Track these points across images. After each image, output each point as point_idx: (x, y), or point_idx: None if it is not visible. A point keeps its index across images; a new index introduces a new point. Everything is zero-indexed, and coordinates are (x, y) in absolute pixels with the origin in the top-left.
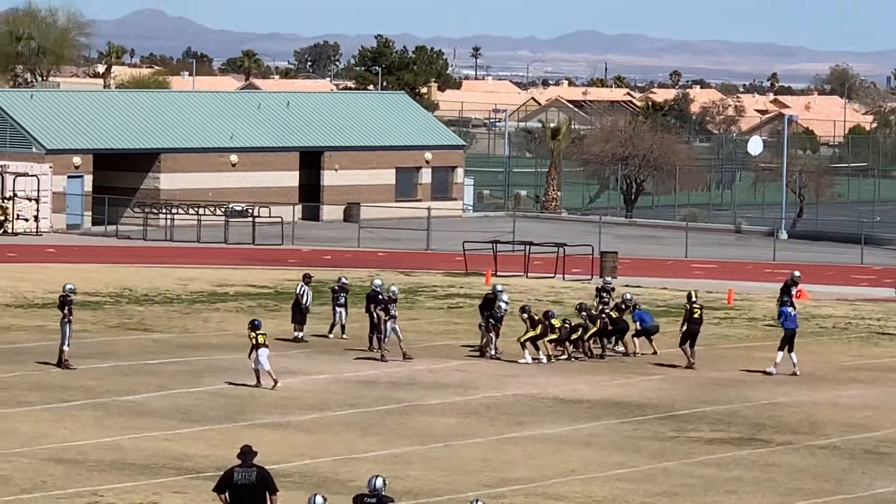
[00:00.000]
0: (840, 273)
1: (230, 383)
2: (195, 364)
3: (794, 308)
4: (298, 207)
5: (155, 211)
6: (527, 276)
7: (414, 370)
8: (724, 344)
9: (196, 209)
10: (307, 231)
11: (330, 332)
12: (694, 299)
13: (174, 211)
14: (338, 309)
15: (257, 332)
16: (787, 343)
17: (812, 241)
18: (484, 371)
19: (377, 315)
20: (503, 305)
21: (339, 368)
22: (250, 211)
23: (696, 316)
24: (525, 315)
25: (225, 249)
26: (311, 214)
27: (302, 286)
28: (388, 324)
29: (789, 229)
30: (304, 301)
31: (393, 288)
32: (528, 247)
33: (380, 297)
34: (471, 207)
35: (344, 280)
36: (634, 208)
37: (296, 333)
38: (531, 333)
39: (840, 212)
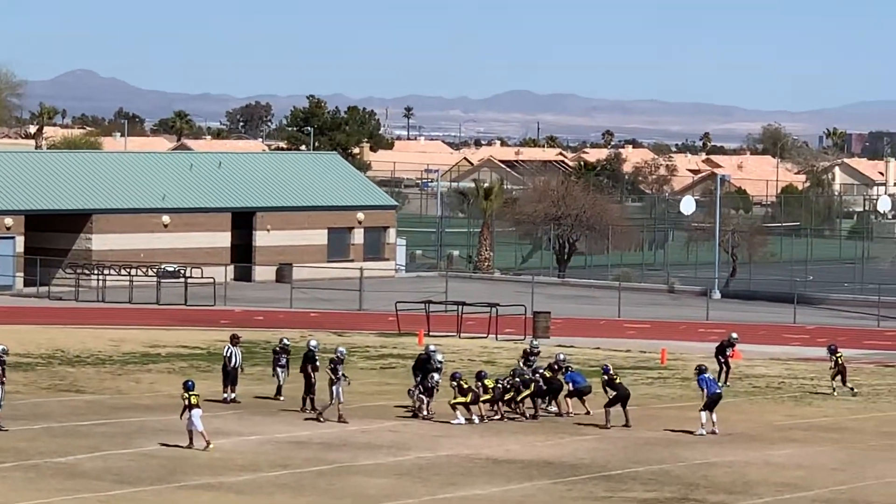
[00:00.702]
0: (773, 332)
1: (163, 444)
2: (127, 425)
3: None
4: (230, 268)
5: (87, 272)
6: (459, 336)
7: (346, 431)
8: (657, 404)
9: (128, 270)
10: (239, 292)
11: (278, 394)
12: (611, 372)
13: (106, 272)
14: (278, 370)
15: (190, 392)
16: (712, 405)
17: (745, 300)
18: (416, 431)
19: (312, 375)
20: (437, 364)
21: (271, 429)
22: (182, 272)
23: (618, 381)
24: (454, 383)
25: (157, 310)
26: (244, 275)
27: (229, 347)
28: (335, 386)
29: (722, 289)
30: (232, 362)
31: (341, 349)
32: (460, 307)
33: (315, 357)
34: (403, 268)
35: (286, 341)
36: (567, 268)
37: (225, 395)
38: (461, 399)
39: (773, 271)
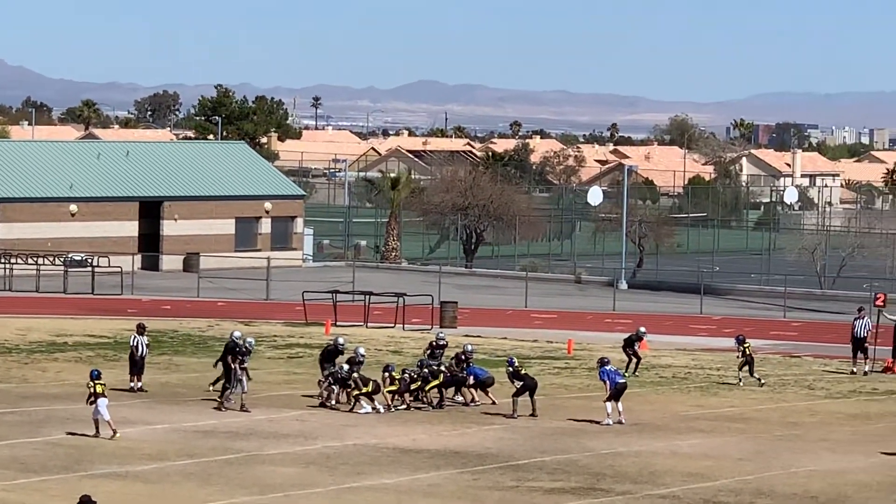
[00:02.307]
0: (679, 323)
1: (70, 433)
2: (34, 414)
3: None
4: (138, 257)
5: None
6: (366, 326)
7: (253, 420)
8: (564, 394)
9: (35, 259)
10: (147, 281)
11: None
12: (516, 363)
13: (12, 261)
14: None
15: (96, 381)
16: (618, 395)
17: (652, 290)
18: (323, 421)
19: (234, 367)
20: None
21: (178, 418)
22: (89, 261)
23: (523, 372)
24: (386, 374)
25: (64, 299)
26: (151, 264)
27: (135, 337)
28: (241, 376)
29: (629, 279)
30: (138, 352)
31: (250, 340)
32: (367, 297)
33: (237, 349)
34: (310, 257)
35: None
36: (474, 258)
37: (132, 384)
38: (365, 390)
39: (680, 262)
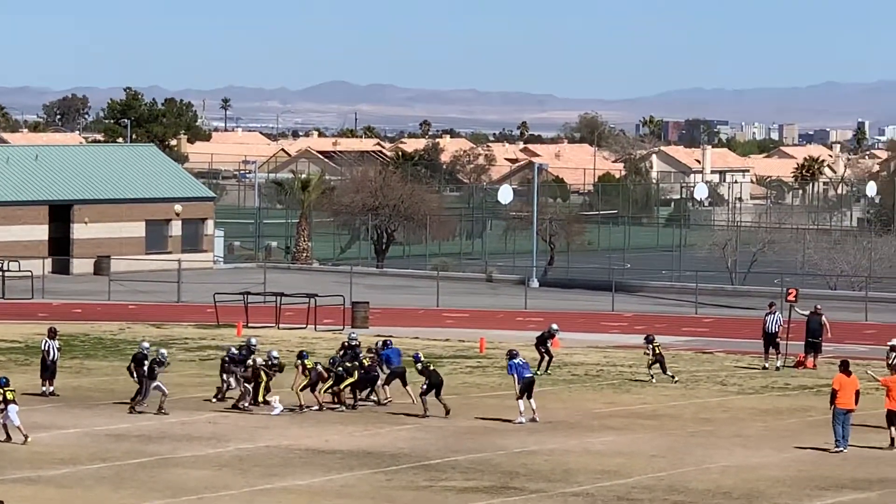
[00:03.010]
0: (591, 320)
1: None
2: None
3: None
4: (48, 261)
5: None
6: (278, 328)
7: (165, 423)
8: (477, 393)
9: None
10: (57, 285)
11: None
12: (422, 359)
13: None
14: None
15: (5, 388)
16: (527, 390)
17: (563, 288)
18: (236, 423)
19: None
20: (273, 361)
21: (90, 422)
22: (0, 265)
23: (432, 368)
24: (299, 362)
25: None
26: (62, 268)
27: (46, 341)
28: (152, 384)
29: (540, 277)
30: (49, 356)
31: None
32: (279, 298)
33: (145, 360)
34: (221, 259)
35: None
36: (385, 258)
37: (44, 388)
38: (303, 382)
39: (591, 259)
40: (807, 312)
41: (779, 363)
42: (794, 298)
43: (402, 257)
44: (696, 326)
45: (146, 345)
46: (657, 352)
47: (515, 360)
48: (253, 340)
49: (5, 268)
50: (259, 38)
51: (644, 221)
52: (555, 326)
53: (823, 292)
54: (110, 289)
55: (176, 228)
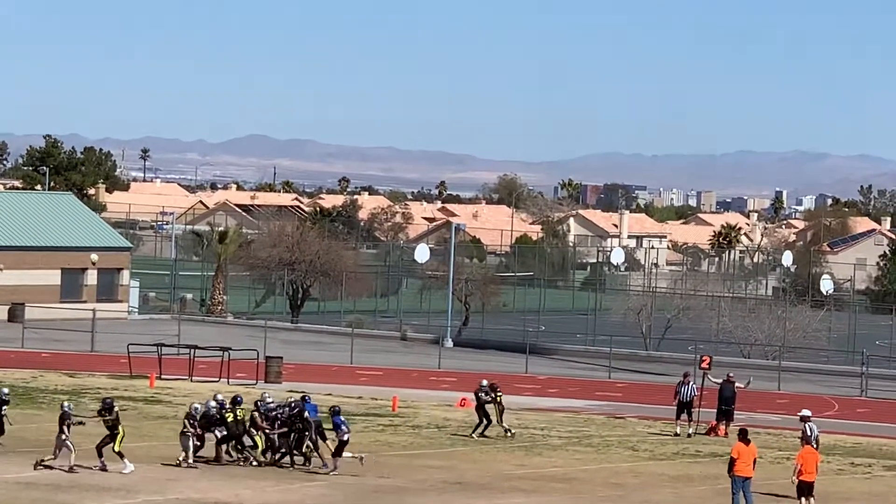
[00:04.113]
0: (505, 382)
1: None
2: None
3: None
4: None
5: None
6: (191, 380)
7: (76, 473)
8: (388, 451)
9: None
10: None
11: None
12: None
13: None
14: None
15: None
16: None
17: (477, 349)
18: (146, 475)
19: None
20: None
21: (1, 469)
22: None
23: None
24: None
25: None
26: None
27: None
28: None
29: (455, 337)
30: None
31: (4, 389)
32: (192, 350)
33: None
34: (136, 310)
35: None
36: (300, 313)
37: None
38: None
39: (506, 321)
40: (719, 380)
41: (690, 430)
42: (707, 366)
43: (317, 313)
44: (609, 391)
45: (68, 405)
46: (499, 401)
47: (339, 417)
48: (220, 396)
49: None
50: (179, 89)
51: (560, 284)
52: (485, 382)
53: (737, 360)
54: (24, 336)
55: (91, 277)
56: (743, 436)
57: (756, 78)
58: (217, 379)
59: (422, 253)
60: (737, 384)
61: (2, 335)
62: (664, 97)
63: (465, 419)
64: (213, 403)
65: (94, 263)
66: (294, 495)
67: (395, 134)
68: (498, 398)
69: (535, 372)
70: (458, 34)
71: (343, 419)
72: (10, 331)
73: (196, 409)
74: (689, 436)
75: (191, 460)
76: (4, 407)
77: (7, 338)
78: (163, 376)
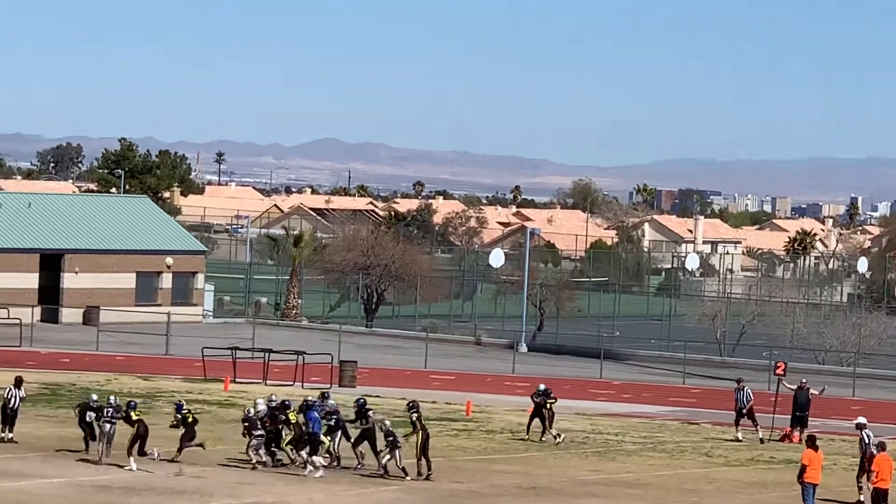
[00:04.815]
0: (579, 387)
1: None
2: None
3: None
4: (37, 309)
5: None
6: (265, 384)
7: (151, 476)
8: (462, 456)
9: None
10: (46, 333)
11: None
12: (413, 408)
13: None
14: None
15: None
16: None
17: (552, 354)
18: (220, 478)
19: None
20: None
21: (75, 472)
22: None
23: (421, 426)
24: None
25: None
26: (51, 317)
27: (10, 389)
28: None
29: (529, 342)
30: (10, 404)
31: (93, 396)
32: (267, 354)
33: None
34: (211, 313)
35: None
36: (375, 318)
37: (2, 435)
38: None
39: (580, 326)
40: (794, 386)
41: (761, 435)
42: (782, 372)
43: (391, 317)
44: (683, 396)
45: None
46: (549, 406)
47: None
48: (273, 397)
49: None
50: (254, 93)
51: (634, 290)
52: (542, 387)
53: (811, 367)
54: (99, 339)
55: (166, 281)
56: (811, 442)
57: (832, 83)
58: (291, 383)
59: (497, 258)
60: (811, 391)
61: (77, 338)
62: (739, 102)
63: (539, 424)
64: (262, 406)
65: (168, 267)
66: (367, 499)
67: (467, 138)
68: (549, 404)
69: (610, 377)
70: (533, 38)
71: (316, 416)
72: (85, 334)
73: (250, 412)
74: (761, 441)
75: (264, 458)
76: (90, 414)
77: (82, 341)
78: (237, 380)
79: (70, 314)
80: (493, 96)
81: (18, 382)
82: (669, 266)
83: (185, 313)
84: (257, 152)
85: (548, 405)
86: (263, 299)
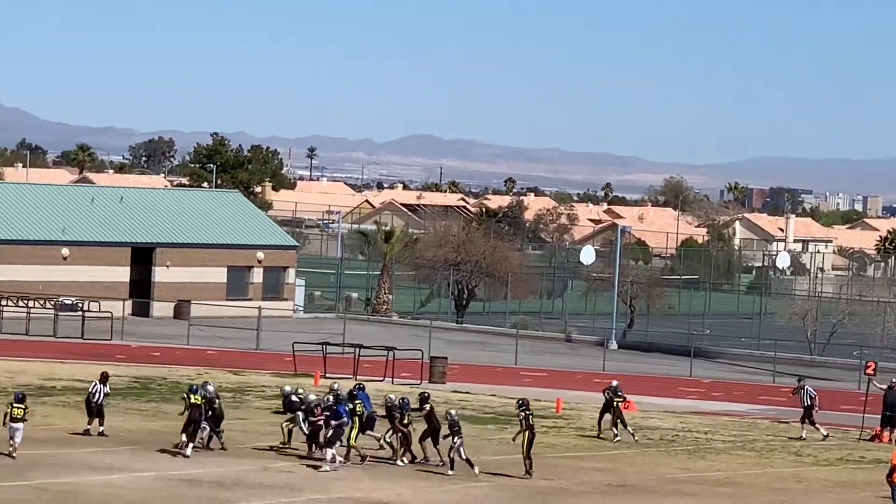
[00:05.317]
0: (668, 385)
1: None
2: (20, 458)
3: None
4: (129, 303)
5: None
6: (356, 379)
7: (240, 470)
8: (552, 453)
9: (25, 302)
10: (137, 327)
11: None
12: (523, 406)
13: (3, 303)
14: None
15: (13, 405)
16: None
17: (642, 351)
18: (309, 473)
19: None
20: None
21: (165, 466)
22: (80, 305)
23: (531, 423)
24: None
25: (54, 343)
26: (142, 310)
27: (95, 383)
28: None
29: (619, 339)
30: (94, 398)
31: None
32: (357, 349)
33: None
34: (301, 308)
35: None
36: (465, 314)
37: (88, 428)
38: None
39: (670, 324)
40: (884, 386)
41: (824, 432)
42: (872, 372)
43: (482, 314)
44: (773, 395)
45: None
46: (615, 405)
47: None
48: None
49: (86, 308)
50: (346, 88)
51: (725, 288)
52: (615, 383)
53: None
54: (189, 333)
55: (257, 275)
56: None
57: None
58: (381, 378)
59: (587, 254)
60: None
61: (168, 332)
62: (831, 100)
63: (629, 422)
64: (313, 396)
65: (260, 261)
66: (455, 496)
67: (560, 135)
68: (617, 402)
69: (700, 375)
70: (624, 37)
71: (345, 408)
72: (176, 328)
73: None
74: (824, 438)
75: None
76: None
77: (173, 335)
78: (327, 375)
79: (161, 308)
80: (585, 93)
81: (104, 378)
82: (760, 264)
83: (276, 308)
84: (349, 148)
85: (615, 403)
86: (354, 294)
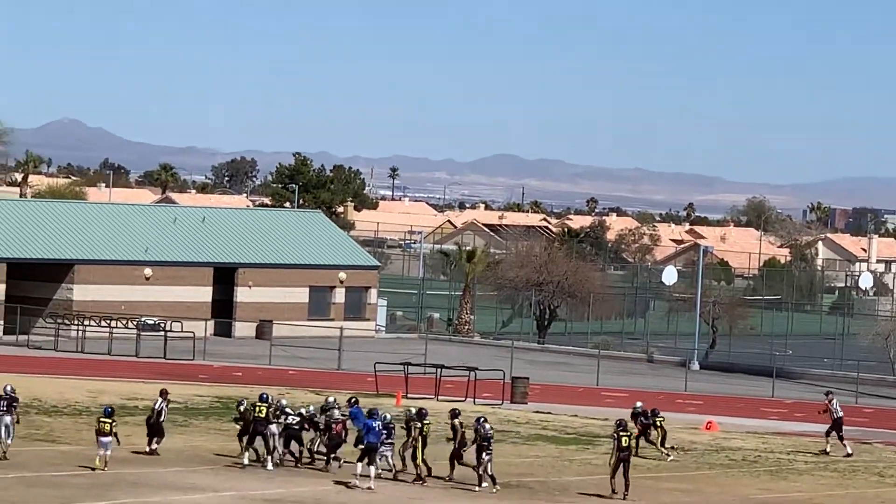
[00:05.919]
0: (751, 405)
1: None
2: (102, 477)
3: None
4: (211, 323)
5: (67, 322)
6: (437, 399)
7: (320, 490)
8: (634, 473)
9: (108, 321)
10: (219, 347)
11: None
12: (622, 427)
13: (86, 322)
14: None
15: (101, 420)
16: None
17: (724, 372)
18: (393, 493)
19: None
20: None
21: (246, 486)
22: (162, 325)
23: (624, 444)
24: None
25: (136, 363)
26: (224, 330)
27: (159, 401)
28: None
29: (701, 360)
30: (161, 416)
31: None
32: (439, 370)
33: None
34: (383, 328)
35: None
36: (547, 334)
37: (151, 446)
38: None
39: (752, 344)
40: None
41: (849, 450)
42: None
43: (563, 334)
44: (855, 416)
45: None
46: (660, 425)
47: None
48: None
49: (168, 328)
50: (428, 108)
51: (807, 308)
52: (639, 404)
53: None
54: (271, 353)
55: (339, 296)
56: None
57: None
58: (463, 398)
59: (669, 275)
60: None
61: (250, 352)
62: None
63: (711, 442)
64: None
65: (342, 282)
66: None
67: (643, 155)
68: (659, 422)
69: (782, 396)
70: (708, 58)
71: (375, 425)
72: (257, 348)
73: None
74: (847, 455)
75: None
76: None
77: (255, 354)
78: (409, 395)
79: (243, 328)
80: (669, 113)
81: (164, 394)
82: (843, 285)
83: (358, 328)
84: (431, 168)
85: (657, 423)
86: (436, 314)
